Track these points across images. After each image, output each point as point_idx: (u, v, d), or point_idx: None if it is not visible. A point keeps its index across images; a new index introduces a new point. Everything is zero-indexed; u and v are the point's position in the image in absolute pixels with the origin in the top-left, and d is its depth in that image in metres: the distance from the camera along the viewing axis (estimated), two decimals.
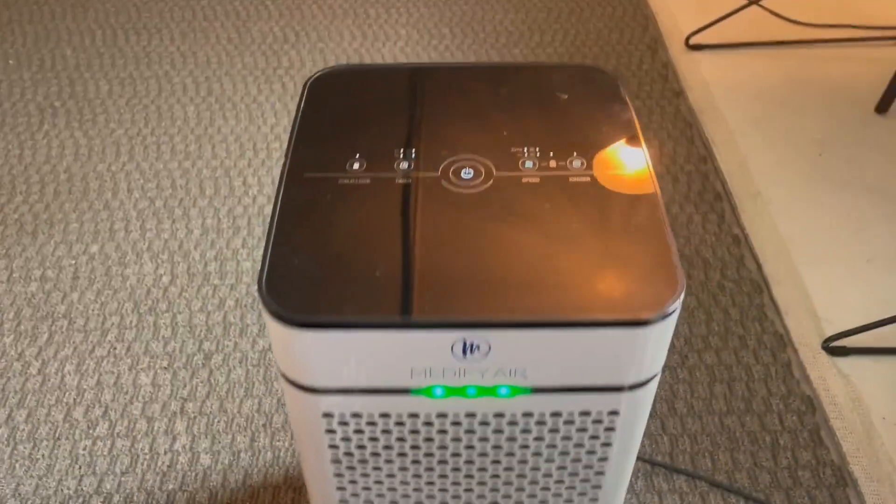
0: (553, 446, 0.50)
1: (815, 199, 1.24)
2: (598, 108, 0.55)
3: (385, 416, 0.47)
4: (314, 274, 0.44)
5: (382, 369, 0.44)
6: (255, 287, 1.10)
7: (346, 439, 0.49)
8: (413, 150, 0.51)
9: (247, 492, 0.90)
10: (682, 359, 1.02)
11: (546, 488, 0.53)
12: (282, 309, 0.42)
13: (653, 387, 0.47)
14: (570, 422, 0.48)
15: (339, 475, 0.52)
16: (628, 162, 0.50)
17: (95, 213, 1.22)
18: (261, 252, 1.14)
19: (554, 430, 0.49)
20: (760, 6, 1.57)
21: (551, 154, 0.51)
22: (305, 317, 0.42)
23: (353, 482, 0.53)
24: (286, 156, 0.51)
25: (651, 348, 0.44)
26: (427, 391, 0.46)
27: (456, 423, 0.48)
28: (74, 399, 0.98)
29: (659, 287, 0.43)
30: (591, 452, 0.50)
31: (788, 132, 1.36)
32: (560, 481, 0.52)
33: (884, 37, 1.54)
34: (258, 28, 1.60)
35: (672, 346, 1.03)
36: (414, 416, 0.47)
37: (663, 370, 1.01)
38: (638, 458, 0.92)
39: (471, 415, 0.47)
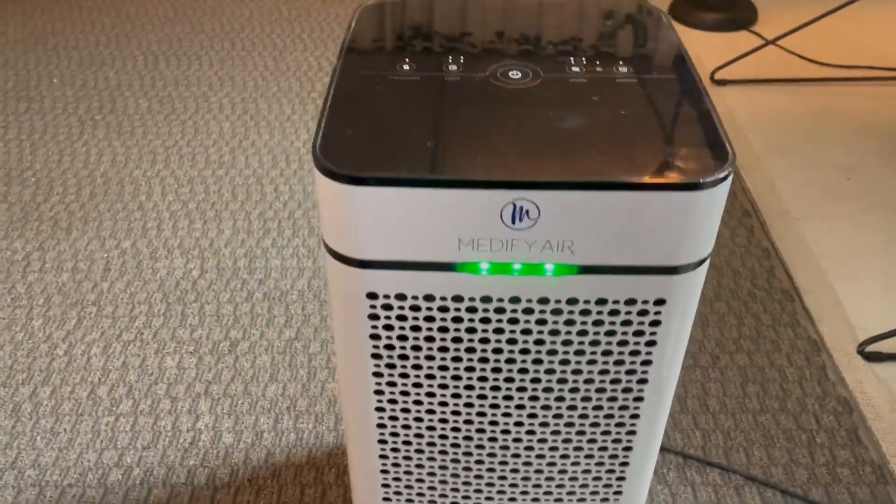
0: (596, 343, 0.49)
1: (845, 218, 1.24)
2: (643, 31, 0.56)
3: (429, 298, 0.47)
4: (367, 141, 0.45)
5: (430, 238, 0.44)
6: (283, 282, 1.11)
7: (389, 327, 0.49)
8: (462, 58, 0.52)
9: (269, 469, 0.88)
10: (714, 360, 1.01)
11: (587, 398, 0.52)
12: (334, 165, 0.42)
13: (700, 277, 0.47)
14: (615, 311, 0.47)
15: (377, 374, 0.51)
16: (675, 68, 0.51)
17: (129, 212, 1.24)
18: (291, 251, 1.16)
19: (598, 323, 0.48)
20: (779, 46, 1.61)
21: (598, 62, 0.52)
22: (357, 172, 0.42)
23: (391, 384, 0.52)
24: (338, 59, 0.53)
25: (701, 220, 0.43)
26: (473, 267, 0.45)
27: (500, 311, 0.47)
28: (99, 378, 0.97)
29: (709, 157, 0.43)
30: (635, 353, 0.49)
31: (815, 158, 1.37)
32: (602, 389, 0.51)
33: None
34: (294, 58, 1.66)
35: (703, 346, 1.02)
36: (458, 299, 0.47)
37: (694, 367, 0.99)
38: (670, 451, 0.89)
39: (515, 300, 0.47)
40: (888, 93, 1.55)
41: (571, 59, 0.52)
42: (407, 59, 0.52)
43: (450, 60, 0.52)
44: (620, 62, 0.52)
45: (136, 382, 0.97)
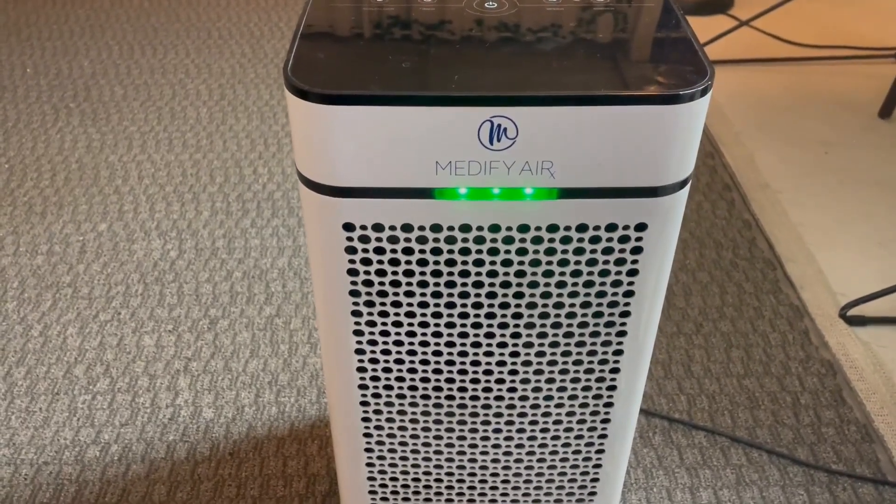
0: (578, 273, 0.48)
1: (824, 191, 1.24)
2: None
3: (407, 228, 0.46)
4: (340, 63, 0.44)
5: (407, 162, 0.43)
6: (263, 261, 1.09)
7: (367, 261, 0.48)
8: None
9: (250, 443, 0.86)
10: (697, 327, 1.00)
11: (570, 333, 0.51)
12: (306, 85, 0.41)
13: (681, 201, 0.46)
14: (596, 238, 0.46)
15: (356, 313, 0.50)
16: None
17: (105, 196, 1.22)
18: (270, 230, 1.14)
19: (579, 251, 0.47)
20: (753, 27, 1.62)
21: None
22: (329, 91, 0.41)
23: (370, 324, 0.51)
24: None
25: (681, 136, 0.43)
26: (451, 193, 0.45)
27: (479, 241, 0.47)
28: (76, 358, 0.96)
29: (689, 74, 0.43)
30: (616, 283, 0.49)
31: (794, 134, 1.37)
32: (584, 323, 0.50)
33: (878, 55, 1.58)
34: (271, 45, 1.65)
35: (686, 314, 1.02)
36: (436, 228, 0.46)
37: (678, 334, 0.99)
38: (655, 415, 0.89)
39: (494, 228, 0.46)
40: (860, 70, 1.56)
41: None
42: None
43: None
44: None
45: (113, 361, 0.95)
